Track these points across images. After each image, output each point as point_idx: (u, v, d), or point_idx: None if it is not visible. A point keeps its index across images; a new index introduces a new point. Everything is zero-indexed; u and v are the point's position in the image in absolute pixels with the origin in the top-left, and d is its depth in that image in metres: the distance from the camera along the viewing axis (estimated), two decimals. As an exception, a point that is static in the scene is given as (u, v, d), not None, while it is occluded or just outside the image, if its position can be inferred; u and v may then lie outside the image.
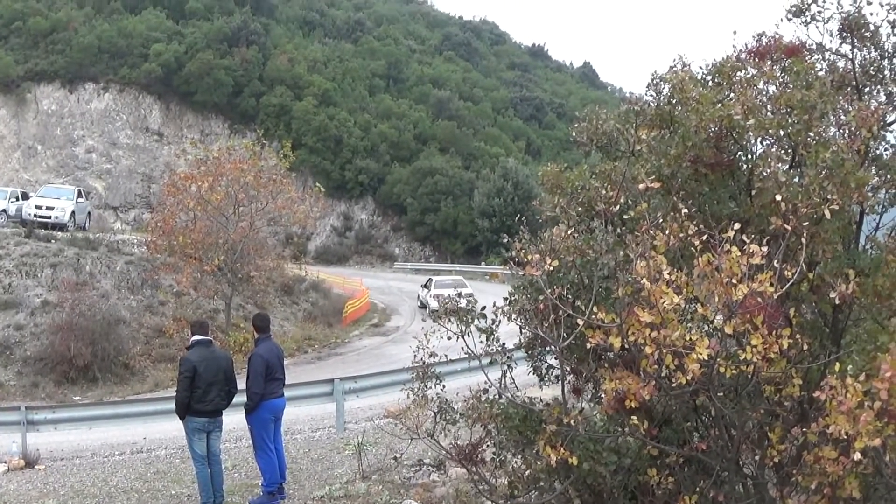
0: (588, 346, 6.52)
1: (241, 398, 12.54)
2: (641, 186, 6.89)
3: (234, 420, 12.97)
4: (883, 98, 8.07)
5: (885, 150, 7.91)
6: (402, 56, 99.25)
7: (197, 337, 12.38)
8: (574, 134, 9.45)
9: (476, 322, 8.02)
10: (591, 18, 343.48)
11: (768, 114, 7.24)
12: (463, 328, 7.92)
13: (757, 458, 7.30)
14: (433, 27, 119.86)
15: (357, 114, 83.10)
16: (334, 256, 75.27)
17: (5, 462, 16.35)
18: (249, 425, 12.55)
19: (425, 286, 45.83)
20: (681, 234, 6.26)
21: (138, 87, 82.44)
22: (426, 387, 8.48)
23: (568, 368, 7.64)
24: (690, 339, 5.98)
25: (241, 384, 12.48)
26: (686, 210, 6.75)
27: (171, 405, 13.32)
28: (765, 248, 5.98)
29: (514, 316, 7.53)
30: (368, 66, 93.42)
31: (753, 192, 7.28)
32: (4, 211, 42.08)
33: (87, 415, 17.81)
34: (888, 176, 7.51)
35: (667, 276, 6.07)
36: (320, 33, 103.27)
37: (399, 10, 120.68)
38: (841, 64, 8.10)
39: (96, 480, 14.81)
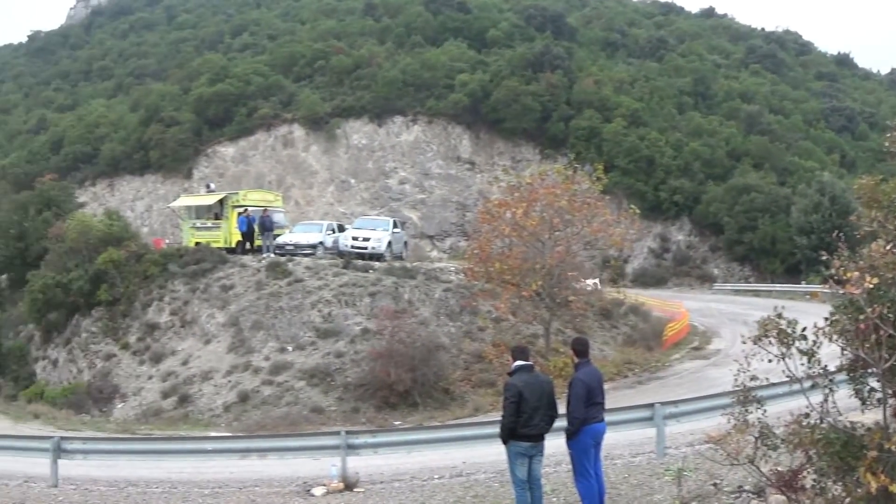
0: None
1: (561, 423, 12.68)
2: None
3: (553, 445, 13.13)
4: None
5: None
6: (708, 72, 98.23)
7: (519, 362, 12.61)
8: (887, 144, 9.17)
9: (797, 343, 7.93)
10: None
11: None
12: (783, 350, 7.86)
13: None
14: (736, 40, 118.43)
15: (667, 133, 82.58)
16: (652, 279, 74.91)
17: (325, 485, 17.27)
18: (570, 451, 12.70)
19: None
20: None
21: (446, 118, 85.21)
22: (747, 411, 8.44)
23: (890, 391, 7.43)
24: None
25: (561, 409, 12.66)
26: None
27: (491, 429, 13.76)
28: None
29: (834, 337, 7.41)
30: (675, 83, 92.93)
31: None
32: (322, 243, 44.42)
33: (407, 439, 18.69)
34: None
35: None
36: (623, 53, 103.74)
37: (700, 26, 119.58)
38: None
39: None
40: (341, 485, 17.20)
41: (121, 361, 39.69)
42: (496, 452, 13.76)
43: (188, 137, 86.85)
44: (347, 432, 18.39)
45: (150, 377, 37.46)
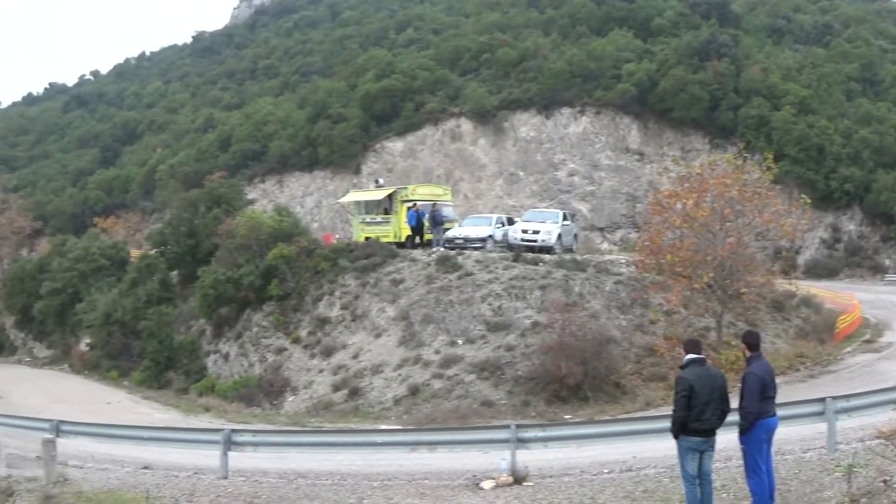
0: None
1: (732, 417, 12.57)
2: None
3: (723, 439, 12.96)
4: None
5: None
6: (875, 57, 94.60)
7: (691, 356, 12.59)
8: None
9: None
10: None
11: None
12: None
13: None
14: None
15: (836, 120, 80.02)
16: (824, 270, 73.03)
17: (494, 478, 17.37)
18: (742, 446, 12.58)
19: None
20: None
21: (614, 109, 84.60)
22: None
23: None
24: None
25: (733, 403, 12.54)
26: None
27: (661, 424, 13.69)
28: None
29: None
30: (842, 69, 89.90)
31: None
32: (491, 236, 44.53)
33: (577, 433, 18.71)
34: None
35: None
36: (790, 40, 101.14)
37: (866, 10, 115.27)
38: None
39: (584, 498, 15.37)
40: (511, 478, 17.25)
41: (292, 355, 40.76)
42: (667, 447, 13.74)
43: (356, 133, 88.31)
44: (517, 426, 18.48)
45: (321, 371, 38.36)
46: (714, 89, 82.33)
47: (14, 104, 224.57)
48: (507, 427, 18.52)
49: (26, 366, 73.52)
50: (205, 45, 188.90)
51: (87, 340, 62.22)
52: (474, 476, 18.08)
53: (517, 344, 34.07)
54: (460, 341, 35.73)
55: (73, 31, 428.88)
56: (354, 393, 35.26)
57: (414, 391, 33.57)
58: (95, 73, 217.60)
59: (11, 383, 54.88)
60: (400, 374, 35.12)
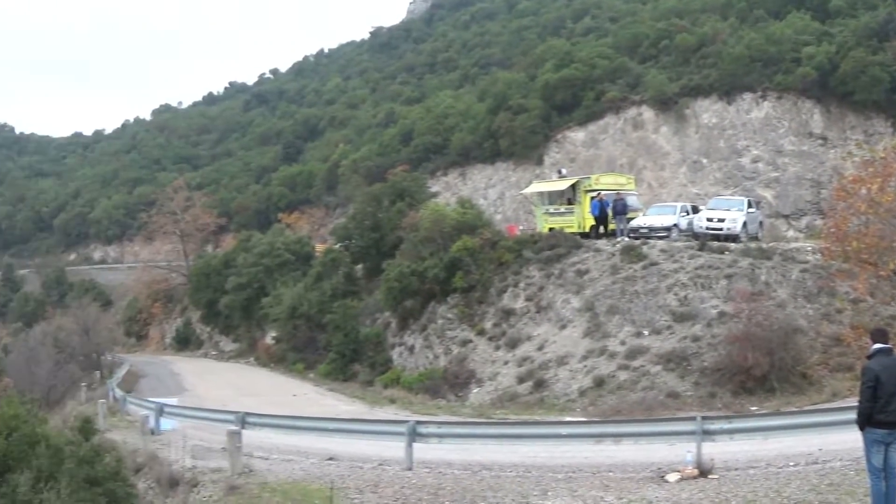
0: None
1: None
2: None
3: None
4: None
5: None
6: None
7: (877, 345, 12.50)
8: None
9: None
10: None
11: None
12: None
13: None
14: None
15: None
16: None
17: (679, 471, 17.43)
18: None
19: None
20: None
21: (795, 93, 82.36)
22: None
23: None
24: None
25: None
26: None
27: (848, 415, 13.60)
28: None
29: None
30: None
31: None
32: (676, 225, 44.16)
33: (763, 425, 18.50)
34: None
35: None
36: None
37: None
38: None
39: (769, 491, 15.27)
40: (696, 471, 17.22)
41: (476, 347, 41.42)
42: (853, 439, 13.50)
43: (537, 124, 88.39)
44: (703, 418, 18.34)
45: (506, 362, 38.89)
46: (894, 70, 79.65)
47: (195, 104, 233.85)
48: (693, 419, 18.42)
49: (212, 359, 76.53)
50: (382, 41, 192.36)
51: (273, 334, 64.48)
52: (659, 469, 18.13)
53: (703, 334, 33.90)
54: (646, 332, 35.74)
55: (251, 31, 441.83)
56: (539, 385, 35.66)
57: (599, 383, 33.77)
58: (275, 72, 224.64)
59: (198, 376, 57.33)
60: (585, 366, 35.35)
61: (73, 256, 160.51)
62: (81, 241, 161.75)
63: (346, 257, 59.85)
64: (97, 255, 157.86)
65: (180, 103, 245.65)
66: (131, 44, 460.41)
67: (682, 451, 18.00)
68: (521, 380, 36.66)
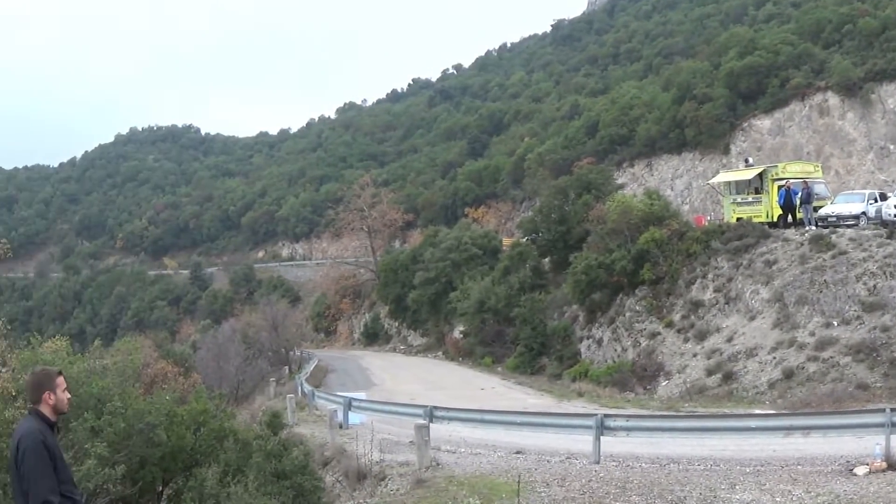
0: None
1: None
2: None
3: None
4: None
5: None
6: None
7: None
8: None
9: None
10: None
11: None
12: None
13: None
14: None
15: None
16: None
17: (867, 464, 17.20)
18: None
19: None
20: None
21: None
22: None
23: None
24: None
25: None
26: None
27: None
28: None
29: None
30: None
31: None
32: (864, 213, 43.25)
33: (954, 416, 18.09)
34: None
35: None
36: None
37: None
38: None
39: (959, 484, 15.03)
40: (884, 464, 16.93)
41: (665, 339, 41.54)
42: None
43: (722, 113, 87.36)
44: (892, 409, 17.90)
45: (695, 355, 38.90)
46: None
47: (379, 101, 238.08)
48: (882, 411, 18.12)
49: (401, 354, 78.14)
50: (565, 33, 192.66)
51: (461, 328, 65.55)
52: (847, 462, 17.93)
53: (892, 325, 33.26)
54: (835, 322, 35.23)
55: (433, 28, 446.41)
56: (728, 377, 35.57)
57: (788, 374, 33.46)
58: (458, 67, 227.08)
59: (386, 371, 58.82)
60: (774, 358, 35.04)
61: (260, 254, 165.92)
62: (269, 239, 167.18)
63: (533, 251, 60.53)
64: (285, 252, 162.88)
65: (364, 101, 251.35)
66: (314, 45, 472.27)
67: (870, 444, 17.76)
68: (709, 372, 36.62)
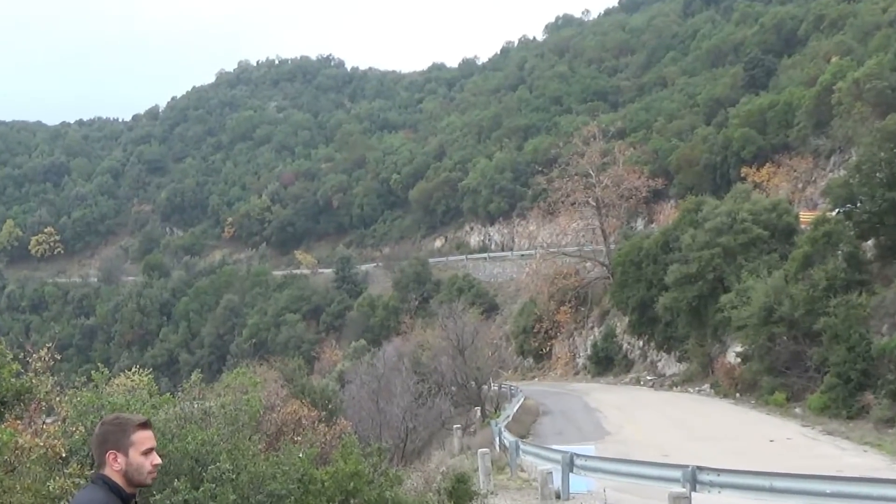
0: None
1: None
2: None
3: None
4: None
5: None
6: None
7: None
8: None
9: None
10: None
11: None
12: None
13: None
14: None
15: None
16: None
17: None
18: None
19: None
20: None
21: None
22: None
23: None
24: None
25: None
26: None
27: None
28: None
29: None
30: None
31: None
32: None
33: None
34: None
35: None
36: None
37: None
38: None
39: None
40: None
41: None
42: None
43: None
44: None
45: None
46: None
47: (608, 11, 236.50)
48: None
49: (647, 387, 77.54)
50: None
51: (738, 348, 64.42)
52: None
53: None
54: None
55: None
56: None
57: None
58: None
59: (625, 413, 58.35)
60: None
61: (437, 243, 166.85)
62: (450, 221, 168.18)
63: (849, 230, 58.98)
64: (473, 240, 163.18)
65: (586, 12, 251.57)
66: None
67: None
68: None
